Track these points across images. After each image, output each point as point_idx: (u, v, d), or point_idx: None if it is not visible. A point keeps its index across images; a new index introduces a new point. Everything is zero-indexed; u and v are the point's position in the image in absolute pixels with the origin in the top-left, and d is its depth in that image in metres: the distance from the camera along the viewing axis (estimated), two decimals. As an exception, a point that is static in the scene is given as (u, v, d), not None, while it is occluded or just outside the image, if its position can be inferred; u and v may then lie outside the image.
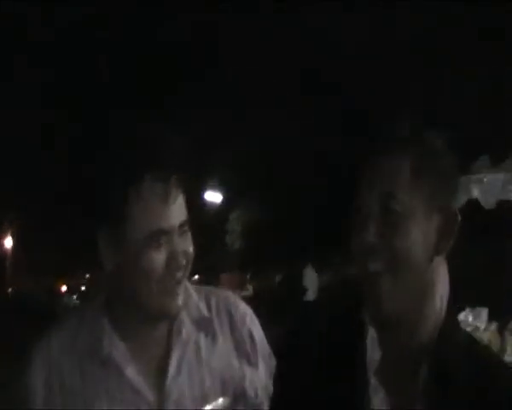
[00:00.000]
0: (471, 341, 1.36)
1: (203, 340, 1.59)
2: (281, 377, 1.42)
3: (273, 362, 1.67)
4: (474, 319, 4.62)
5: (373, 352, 1.31)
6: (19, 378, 1.59)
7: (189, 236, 1.53)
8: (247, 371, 1.63)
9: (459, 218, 1.28)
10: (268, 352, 1.69)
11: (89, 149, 1.57)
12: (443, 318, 1.31)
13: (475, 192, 5.34)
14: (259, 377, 1.65)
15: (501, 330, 4.63)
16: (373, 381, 1.29)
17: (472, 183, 5.33)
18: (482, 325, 4.61)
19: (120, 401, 1.51)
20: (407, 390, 1.27)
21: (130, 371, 1.53)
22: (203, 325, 1.60)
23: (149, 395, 1.52)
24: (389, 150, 1.29)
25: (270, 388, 1.60)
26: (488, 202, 5.46)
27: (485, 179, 5.44)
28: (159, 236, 1.46)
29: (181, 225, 1.49)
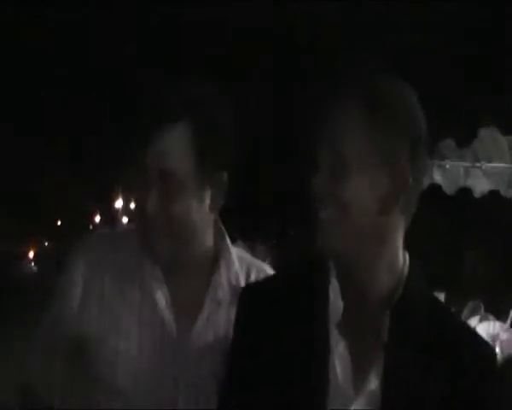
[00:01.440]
0: (432, 295, 1.39)
1: (234, 310, 1.61)
2: (243, 325, 1.43)
3: None
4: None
5: (335, 302, 1.32)
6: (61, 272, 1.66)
7: (174, 189, 1.54)
8: None
9: (409, 174, 1.28)
10: None
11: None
12: (405, 271, 1.33)
13: (438, 178, 5.43)
14: None
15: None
16: (335, 332, 1.30)
17: (435, 168, 5.41)
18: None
19: (147, 325, 1.57)
20: (368, 342, 1.29)
21: (163, 302, 1.58)
22: (236, 292, 1.63)
23: (174, 332, 1.56)
24: (345, 95, 1.30)
25: None
26: (450, 188, 5.56)
27: (447, 166, 5.53)
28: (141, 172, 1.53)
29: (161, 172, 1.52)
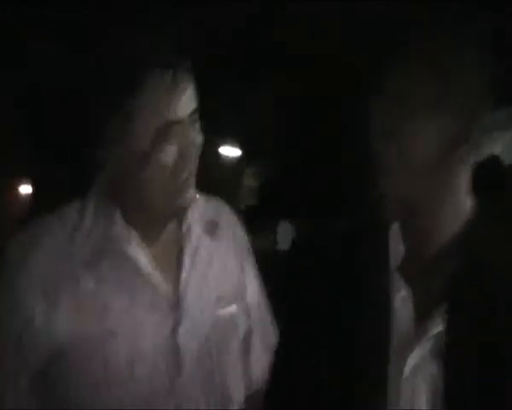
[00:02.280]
0: (500, 238, 1.33)
1: (210, 243, 1.58)
2: (298, 276, 1.42)
3: (261, 292, 1.67)
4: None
5: (396, 246, 1.29)
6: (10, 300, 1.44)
7: (197, 126, 1.49)
8: (248, 284, 1.63)
9: (477, 114, 1.24)
10: (257, 270, 1.69)
11: (91, 42, 1.53)
12: (471, 211, 1.29)
13: (497, 148, 5.29)
14: (254, 291, 1.65)
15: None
16: (396, 276, 1.27)
17: (494, 139, 5.26)
18: None
19: (136, 295, 1.48)
20: (432, 287, 1.26)
21: (147, 265, 1.50)
22: (210, 227, 1.59)
23: (166, 290, 1.50)
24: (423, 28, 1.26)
25: (259, 309, 1.58)
26: (509, 158, 5.40)
27: (506, 136, 5.37)
28: (171, 126, 1.42)
29: (191, 114, 1.46)
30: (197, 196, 1.59)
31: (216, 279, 1.59)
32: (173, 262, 1.55)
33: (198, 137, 1.51)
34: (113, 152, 1.46)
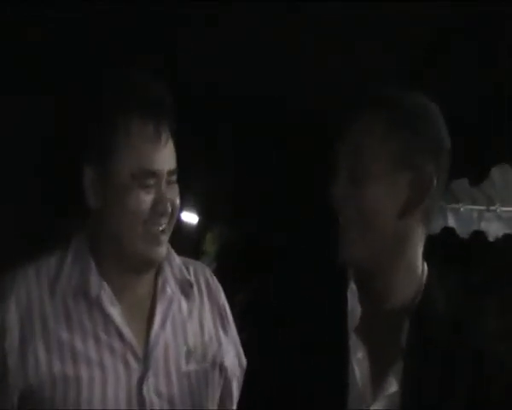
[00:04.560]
0: (452, 301, 1.37)
1: (184, 302, 1.60)
2: (260, 328, 1.47)
3: (242, 357, 1.68)
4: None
5: (354, 307, 1.35)
6: None
7: (176, 188, 1.53)
8: (223, 341, 1.64)
9: (433, 178, 1.30)
10: (236, 332, 1.70)
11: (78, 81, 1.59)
12: (424, 277, 1.36)
13: (451, 221, 5.42)
14: (232, 352, 1.65)
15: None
16: (353, 337, 1.33)
17: (449, 211, 5.40)
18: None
19: (107, 345, 1.52)
20: (388, 347, 1.32)
21: (118, 317, 1.54)
22: (185, 287, 1.61)
23: (135, 343, 1.51)
24: (364, 107, 1.30)
25: (238, 373, 1.60)
26: (463, 232, 5.54)
27: (461, 209, 5.52)
28: (148, 176, 1.47)
29: (170, 173, 1.50)
30: (176, 256, 1.67)
31: (187, 337, 1.63)
32: (145, 317, 1.60)
33: (176, 198, 1.55)
34: (90, 199, 1.52)
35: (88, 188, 1.53)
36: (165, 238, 1.55)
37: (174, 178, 1.55)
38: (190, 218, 9.47)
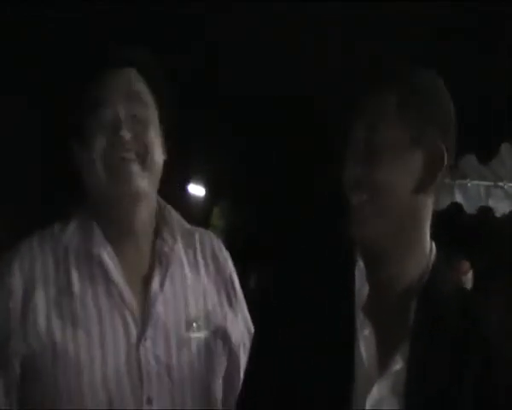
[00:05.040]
0: (459, 284, 1.38)
1: (188, 270, 1.61)
2: (268, 310, 1.44)
3: (249, 323, 1.68)
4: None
5: (361, 286, 1.33)
6: None
7: (150, 130, 1.57)
8: (229, 312, 1.65)
9: (445, 155, 1.30)
10: (245, 306, 1.71)
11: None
12: (432, 258, 1.35)
13: (459, 196, 5.41)
14: (238, 324, 1.66)
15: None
16: (360, 315, 1.32)
17: (456, 187, 5.39)
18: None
19: (107, 306, 1.52)
20: (394, 326, 1.31)
21: (119, 278, 1.54)
22: (190, 255, 1.62)
23: (134, 304, 1.53)
24: (376, 85, 1.31)
25: (246, 341, 1.62)
26: (470, 207, 5.52)
27: (468, 185, 5.50)
28: (105, 122, 1.54)
29: (133, 116, 1.54)
30: (175, 215, 1.66)
31: (188, 303, 1.61)
32: (145, 278, 1.59)
33: (144, 135, 1.57)
34: (82, 171, 1.57)
35: (77, 163, 1.58)
36: (133, 169, 1.55)
37: (141, 118, 1.57)
38: (197, 191, 9.49)
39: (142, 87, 1.59)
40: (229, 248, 1.76)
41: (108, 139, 1.53)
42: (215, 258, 1.69)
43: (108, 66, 1.57)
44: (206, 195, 9.47)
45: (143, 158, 1.55)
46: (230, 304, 1.67)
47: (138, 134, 1.55)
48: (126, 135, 1.53)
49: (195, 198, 9.19)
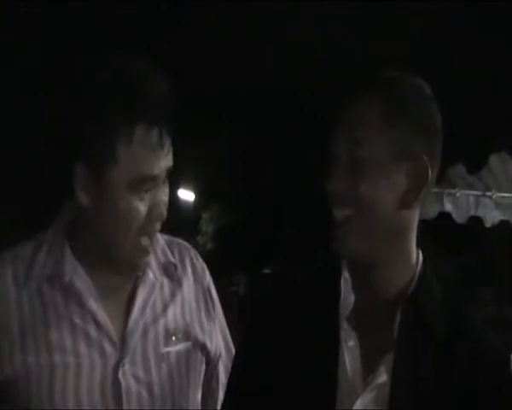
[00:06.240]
0: (447, 290, 1.37)
1: (167, 284, 1.59)
2: (253, 320, 1.44)
3: (227, 334, 1.67)
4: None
5: (347, 296, 1.33)
6: None
7: (167, 185, 1.51)
8: (206, 323, 1.63)
9: (429, 169, 1.29)
10: (222, 317, 1.69)
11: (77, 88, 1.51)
12: (419, 265, 1.34)
13: (448, 206, 5.42)
14: (216, 334, 1.64)
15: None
16: (345, 325, 1.31)
17: (445, 196, 5.40)
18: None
19: (82, 331, 1.48)
20: (379, 337, 1.30)
21: (92, 303, 1.49)
22: (169, 269, 1.60)
23: (111, 330, 1.50)
24: (359, 96, 1.29)
25: (223, 352, 1.60)
26: (459, 217, 5.53)
27: (457, 194, 5.51)
28: (147, 181, 1.43)
29: (168, 170, 1.47)
30: (159, 238, 1.60)
31: (167, 319, 1.59)
32: (124, 301, 1.55)
33: (167, 197, 1.52)
34: (79, 195, 1.47)
35: (78, 187, 1.46)
36: (155, 241, 1.52)
37: (167, 174, 1.50)
38: (187, 196, 9.47)
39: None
40: (217, 253, 1.75)
41: (149, 209, 1.47)
42: (194, 269, 1.68)
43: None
44: (195, 200, 9.46)
45: (159, 226, 1.52)
46: (209, 314, 1.66)
47: (165, 197, 1.51)
48: (164, 212, 1.49)
49: (185, 204, 9.17)
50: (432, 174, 1.31)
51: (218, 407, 1.68)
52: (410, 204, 1.30)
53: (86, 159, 1.44)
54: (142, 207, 1.45)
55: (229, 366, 1.65)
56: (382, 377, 1.29)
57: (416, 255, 1.36)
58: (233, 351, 1.72)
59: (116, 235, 1.47)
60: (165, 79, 1.49)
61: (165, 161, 1.47)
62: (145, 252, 1.50)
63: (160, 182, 1.48)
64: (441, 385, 1.29)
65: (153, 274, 1.59)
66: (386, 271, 1.32)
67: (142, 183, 1.44)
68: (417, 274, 1.34)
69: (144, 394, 1.52)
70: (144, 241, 1.48)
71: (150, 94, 1.44)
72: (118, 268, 1.54)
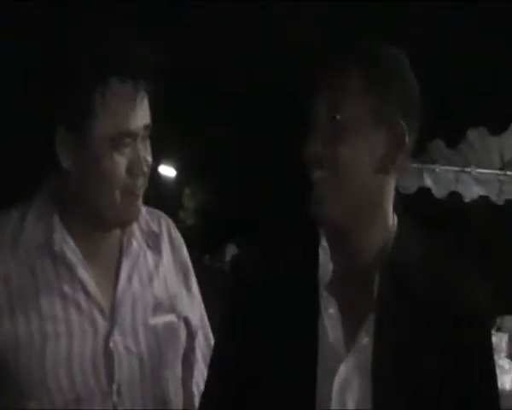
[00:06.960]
0: (424, 251, 1.38)
1: (150, 255, 1.60)
2: (233, 292, 1.45)
3: (203, 311, 1.69)
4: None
5: (325, 264, 1.34)
6: None
7: (148, 143, 1.52)
8: (186, 297, 1.65)
9: (406, 134, 1.31)
10: (199, 294, 1.71)
11: (55, 44, 1.51)
12: (394, 228, 1.36)
13: (428, 181, 5.46)
14: (195, 308, 1.66)
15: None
16: (324, 293, 1.32)
17: (425, 172, 5.43)
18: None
19: (73, 301, 1.48)
20: (359, 302, 1.32)
21: (82, 272, 1.50)
22: (151, 238, 1.61)
23: (101, 300, 1.51)
24: (339, 63, 1.31)
25: (201, 326, 1.61)
26: (439, 192, 5.57)
27: (437, 170, 5.55)
28: (125, 136, 1.44)
29: (145, 128, 1.49)
30: (142, 208, 1.60)
31: (154, 290, 1.60)
32: (112, 272, 1.56)
33: (149, 155, 1.53)
34: (62, 159, 1.47)
35: (59, 147, 1.46)
36: (140, 199, 1.53)
37: (147, 133, 1.51)
38: (168, 172, 9.43)
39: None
40: (199, 229, 1.77)
41: (128, 164, 1.48)
42: (172, 240, 1.69)
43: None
44: (177, 176, 9.44)
45: (145, 179, 1.53)
46: (188, 288, 1.68)
47: (146, 154, 1.51)
48: (144, 168, 1.49)
49: (166, 179, 9.16)
50: (409, 141, 1.32)
51: (194, 379, 1.71)
52: (387, 169, 1.31)
53: (65, 119, 1.45)
54: (122, 161, 1.46)
55: (205, 344, 1.70)
56: (364, 339, 1.31)
57: (392, 219, 1.37)
58: (208, 328, 1.75)
59: (101, 194, 1.47)
60: (145, 40, 1.51)
61: (143, 118, 1.48)
62: (132, 204, 1.50)
63: (138, 137, 1.48)
64: (422, 342, 1.30)
65: (137, 243, 1.60)
66: (363, 237, 1.33)
67: (121, 138, 1.45)
68: (393, 236, 1.36)
69: (134, 364, 1.54)
70: (130, 194, 1.48)
71: (124, 48, 1.46)
72: (106, 227, 1.55)
